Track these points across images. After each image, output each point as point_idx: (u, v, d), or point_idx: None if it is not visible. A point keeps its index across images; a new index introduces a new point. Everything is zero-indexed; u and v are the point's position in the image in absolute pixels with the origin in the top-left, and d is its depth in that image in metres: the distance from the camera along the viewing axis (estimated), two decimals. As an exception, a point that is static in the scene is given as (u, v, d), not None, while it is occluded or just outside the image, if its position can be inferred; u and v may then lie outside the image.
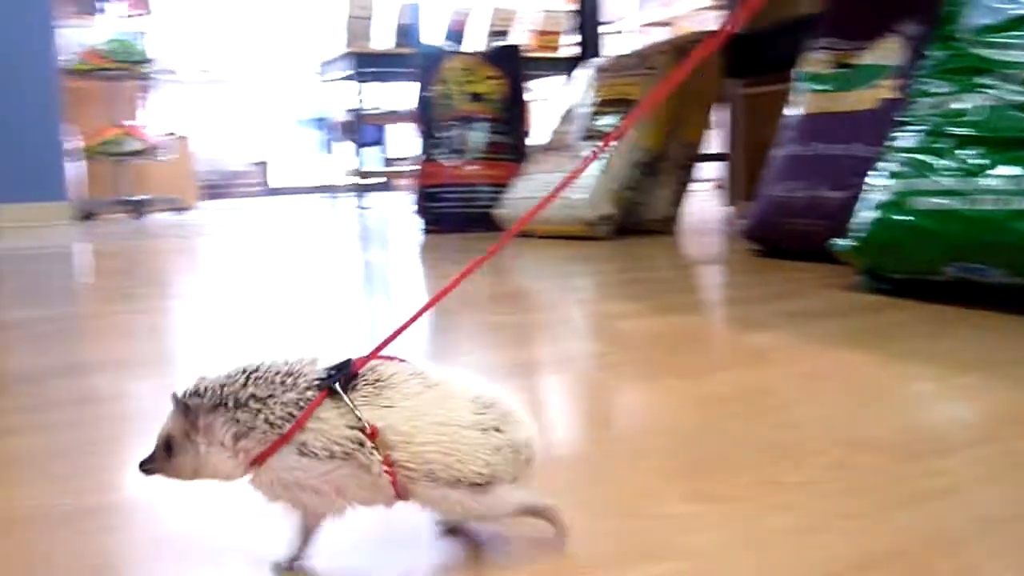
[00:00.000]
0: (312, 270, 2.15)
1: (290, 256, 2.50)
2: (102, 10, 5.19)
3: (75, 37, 4.76)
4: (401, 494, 0.51)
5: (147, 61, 4.69)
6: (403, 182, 5.62)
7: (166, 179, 5.31)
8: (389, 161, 6.16)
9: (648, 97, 2.50)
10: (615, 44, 5.29)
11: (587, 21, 3.55)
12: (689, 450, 0.73)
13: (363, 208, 4.54)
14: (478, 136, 3.15)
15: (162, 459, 0.52)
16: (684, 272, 1.93)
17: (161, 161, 4.91)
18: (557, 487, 0.63)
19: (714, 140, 3.13)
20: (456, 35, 4.79)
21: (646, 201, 2.73)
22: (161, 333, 1.36)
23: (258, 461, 0.51)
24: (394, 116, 5.41)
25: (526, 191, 2.82)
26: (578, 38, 3.57)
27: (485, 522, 0.55)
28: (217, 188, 7.00)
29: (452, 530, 0.57)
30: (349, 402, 0.50)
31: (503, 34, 4.83)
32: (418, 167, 3.24)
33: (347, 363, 0.52)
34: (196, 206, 5.40)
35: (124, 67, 4.60)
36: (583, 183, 2.55)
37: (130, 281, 2.02)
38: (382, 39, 4.55)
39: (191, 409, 0.51)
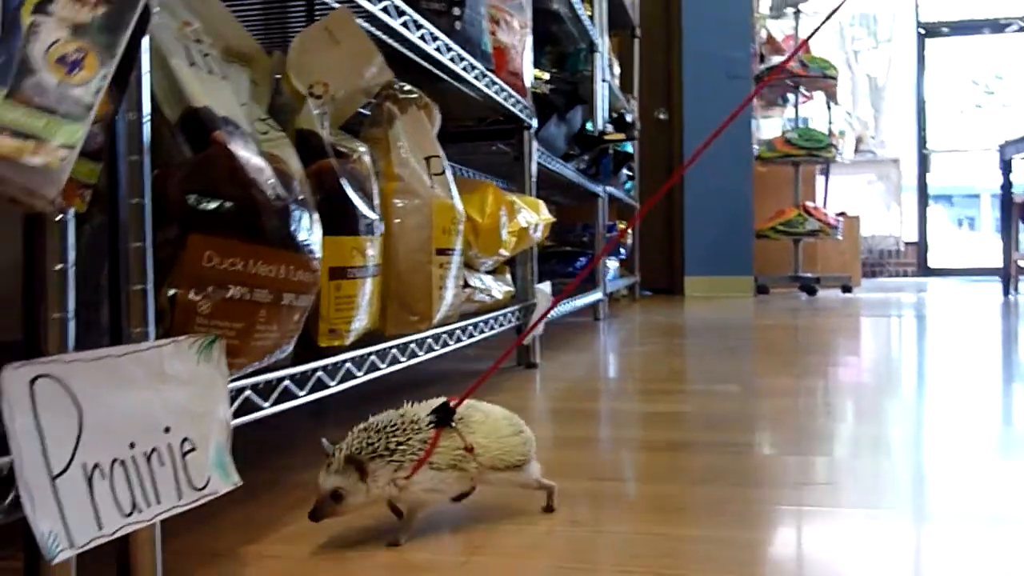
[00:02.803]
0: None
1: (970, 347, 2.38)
2: (786, 101, 5.64)
3: (763, 127, 5.25)
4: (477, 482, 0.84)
5: (829, 146, 4.93)
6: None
7: (833, 257, 5.49)
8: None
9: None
10: None
11: None
12: None
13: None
14: None
15: (331, 507, 0.78)
16: None
17: (833, 240, 5.09)
18: None
19: None
20: None
21: None
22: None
23: (406, 482, 0.78)
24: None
25: None
26: None
27: (524, 488, 0.88)
28: (872, 267, 6.99)
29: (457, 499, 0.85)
30: (459, 433, 0.81)
31: None
32: None
33: (446, 405, 0.82)
34: (860, 284, 5.47)
35: (807, 153, 4.91)
36: None
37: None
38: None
39: (360, 464, 0.77)
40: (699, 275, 4.96)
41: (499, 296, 1.77)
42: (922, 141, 7.48)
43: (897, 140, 7.83)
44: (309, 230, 0.86)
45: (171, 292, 0.73)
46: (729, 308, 3.87)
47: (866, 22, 8.38)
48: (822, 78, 5.00)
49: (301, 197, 0.86)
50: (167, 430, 0.67)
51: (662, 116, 5.24)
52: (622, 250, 3.86)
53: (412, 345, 1.24)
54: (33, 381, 0.58)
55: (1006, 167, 4.60)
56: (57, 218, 0.60)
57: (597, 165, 2.90)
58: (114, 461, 0.63)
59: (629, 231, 4.22)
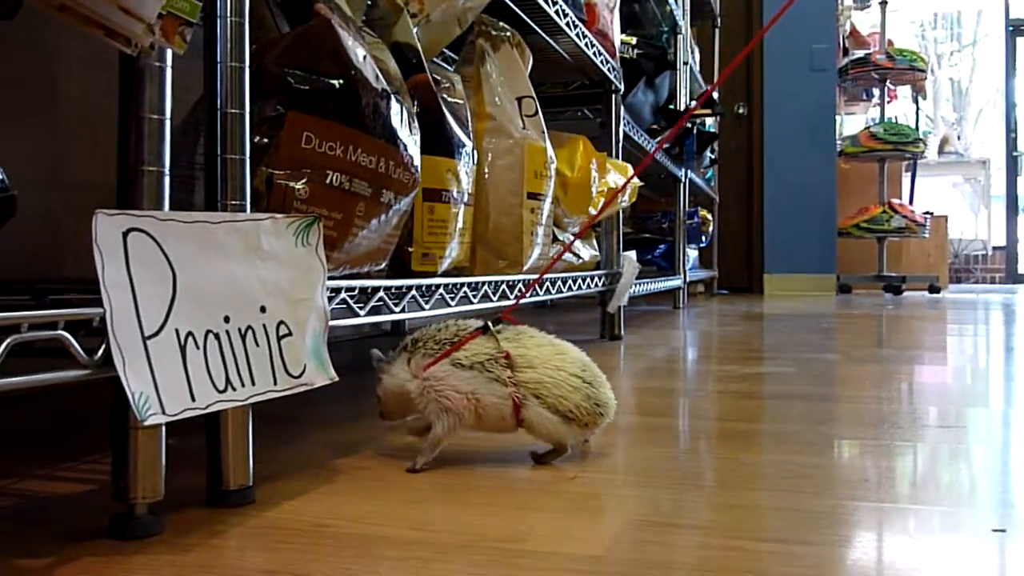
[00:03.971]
0: None
1: None
2: (870, 96, 5.46)
3: (848, 122, 5.08)
4: (517, 414, 0.71)
5: (917, 140, 4.74)
6: None
7: (918, 258, 5.28)
8: None
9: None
10: None
11: None
12: None
13: None
14: None
15: (379, 408, 0.77)
16: None
17: (919, 239, 4.89)
18: None
19: None
20: None
21: None
22: None
23: (422, 372, 0.72)
24: None
25: None
26: None
27: (555, 443, 0.73)
28: (957, 272, 6.72)
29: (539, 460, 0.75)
30: (495, 334, 0.73)
31: None
32: None
33: (497, 318, 0.75)
34: (947, 287, 5.24)
35: (893, 147, 4.73)
36: None
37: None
38: None
39: (380, 364, 0.76)
40: (779, 273, 4.81)
41: (586, 259, 1.71)
42: (1011, 143, 7.16)
43: (984, 143, 7.52)
44: (410, 130, 0.81)
45: (267, 173, 0.68)
46: (814, 303, 3.73)
47: (948, 23, 8.08)
48: (909, 70, 4.81)
49: (401, 96, 0.81)
50: (263, 310, 0.62)
51: (741, 111, 5.12)
52: (703, 238, 3.75)
53: (503, 286, 1.18)
54: (126, 233, 0.54)
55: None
56: (155, 62, 0.56)
57: (681, 145, 2.81)
58: (208, 333, 0.58)
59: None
